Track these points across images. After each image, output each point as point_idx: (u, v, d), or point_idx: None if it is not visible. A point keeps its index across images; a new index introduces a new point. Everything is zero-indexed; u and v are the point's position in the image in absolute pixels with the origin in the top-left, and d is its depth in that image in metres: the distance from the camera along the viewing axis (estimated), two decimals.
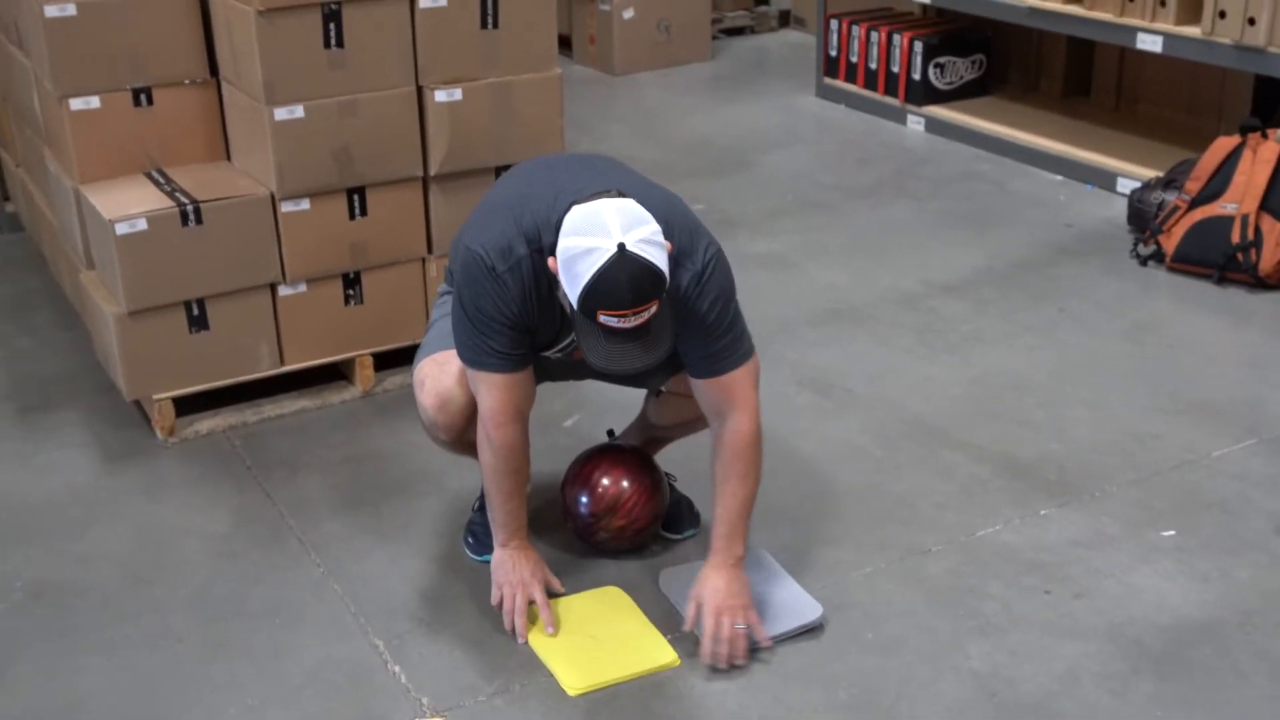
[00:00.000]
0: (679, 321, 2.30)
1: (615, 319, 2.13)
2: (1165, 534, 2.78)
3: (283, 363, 3.24)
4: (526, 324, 2.32)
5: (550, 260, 2.20)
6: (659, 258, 2.15)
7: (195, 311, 3.09)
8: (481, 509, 2.73)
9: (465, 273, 2.31)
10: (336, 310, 3.26)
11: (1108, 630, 2.49)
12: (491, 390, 2.35)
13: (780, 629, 2.47)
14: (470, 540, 2.71)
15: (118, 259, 2.97)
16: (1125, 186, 4.61)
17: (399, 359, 3.39)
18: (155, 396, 3.11)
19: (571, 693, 2.33)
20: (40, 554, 2.73)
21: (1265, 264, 3.95)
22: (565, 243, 2.15)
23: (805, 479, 3.00)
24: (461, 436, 2.50)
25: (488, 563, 2.65)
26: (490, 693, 2.33)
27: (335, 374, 3.39)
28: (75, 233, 3.27)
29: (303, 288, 3.20)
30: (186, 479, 3.00)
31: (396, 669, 2.39)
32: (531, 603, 2.48)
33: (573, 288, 2.14)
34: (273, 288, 3.17)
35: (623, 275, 2.10)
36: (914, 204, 4.70)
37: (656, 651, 2.42)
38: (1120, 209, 4.47)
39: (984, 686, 2.35)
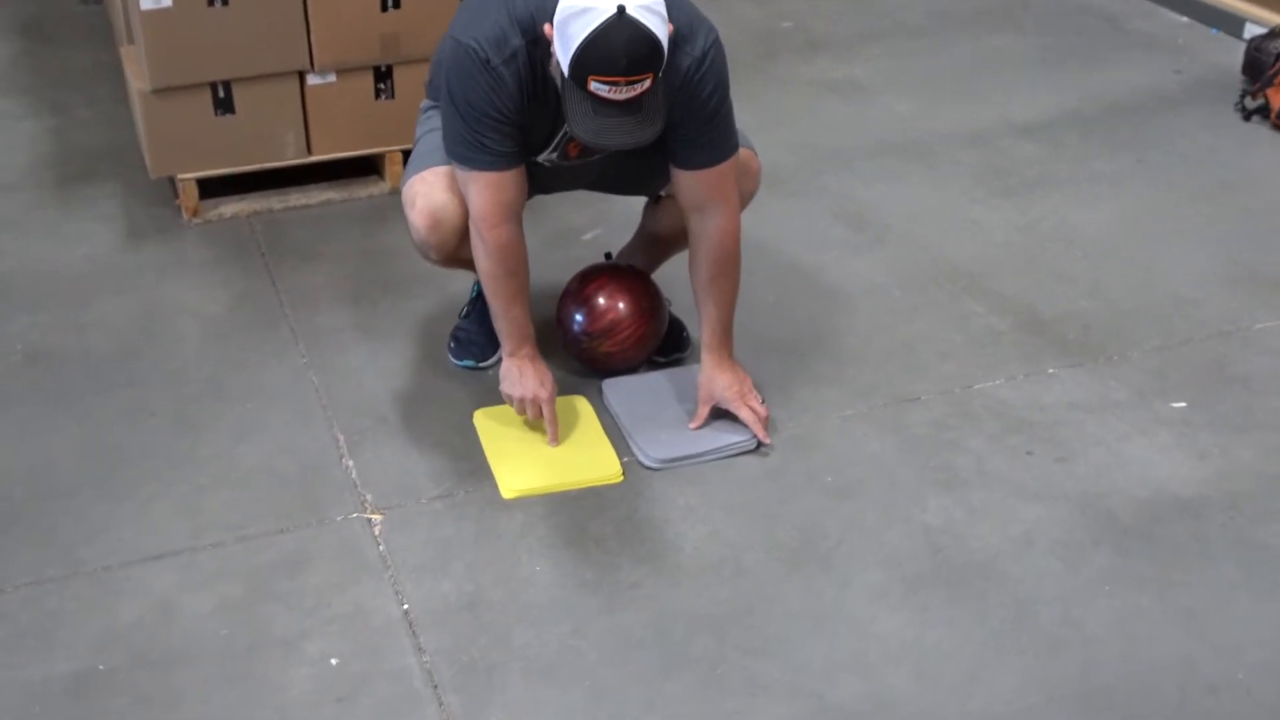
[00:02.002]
0: (673, 108, 2.21)
1: (607, 87, 2.06)
2: (1175, 405, 2.64)
3: (310, 152, 3.24)
4: (520, 120, 2.26)
5: (546, 27, 2.12)
6: (659, 28, 2.06)
7: (221, 94, 3.09)
8: (469, 315, 2.72)
9: (457, 68, 2.23)
10: (366, 103, 3.23)
11: (1080, 498, 2.39)
12: (483, 190, 2.30)
13: (714, 444, 2.44)
14: (453, 345, 2.71)
15: (143, 35, 2.97)
16: (1251, 32, 4.29)
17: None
18: (180, 177, 3.14)
19: (506, 495, 2.33)
20: (46, 319, 2.81)
21: None
22: (564, 3, 2.06)
23: (811, 313, 2.91)
24: (454, 255, 2.46)
25: (467, 369, 2.66)
26: (433, 496, 2.35)
27: (367, 168, 3.38)
28: (119, 6, 3.28)
29: (332, 78, 3.17)
30: (200, 260, 3.04)
31: (350, 464, 2.42)
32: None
33: (565, 50, 2.06)
34: (301, 77, 3.15)
35: (618, 38, 2.02)
36: (1016, 37, 4.45)
37: (601, 464, 2.41)
38: (1240, 58, 4.17)
39: (931, 541, 2.28)
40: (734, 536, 2.28)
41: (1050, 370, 2.75)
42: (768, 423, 2.49)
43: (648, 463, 2.42)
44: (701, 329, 2.48)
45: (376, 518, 2.29)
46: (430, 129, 2.46)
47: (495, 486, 2.37)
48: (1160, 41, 4.41)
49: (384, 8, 3.12)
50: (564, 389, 2.60)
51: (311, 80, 3.15)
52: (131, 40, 3.24)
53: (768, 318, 2.89)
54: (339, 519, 2.28)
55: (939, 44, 4.39)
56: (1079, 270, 3.11)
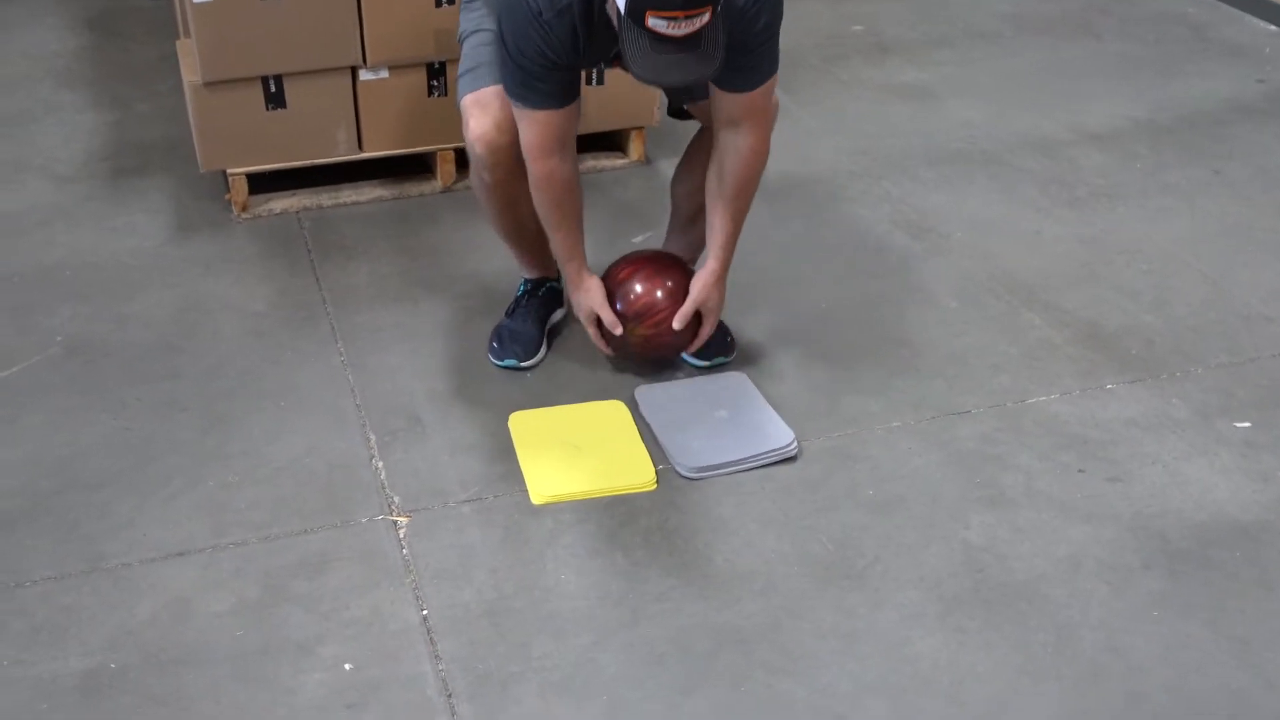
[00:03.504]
0: (727, 40, 2.14)
1: (665, 22, 2.01)
2: (1238, 425, 2.53)
3: (361, 149, 3.21)
4: (574, 63, 2.25)
5: None
6: None
7: (273, 88, 3.07)
8: (514, 313, 2.68)
9: (510, 16, 2.21)
10: (419, 100, 3.20)
11: (1131, 519, 2.29)
12: (533, 125, 2.31)
13: (748, 451, 2.37)
14: (495, 345, 2.67)
15: (195, 27, 2.96)
16: None
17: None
18: (230, 171, 3.13)
19: (536, 500, 2.28)
20: (88, 310, 2.81)
21: None
22: None
23: (861, 322, 2.83)
24: (512, 174, 2.43)
25: (509, 369, 2.62)
26: (461, 500, 2.30)
27: (420, 166, 3.35)
28: (178, 1, 3.28)
29: (384, 74, 3.14)
30: (246, 255, 3.02)
31: (379, 465, 2.38)
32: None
33: None
34: (354, 72, 3.12)
35: None
36: (1093, 43, 4.33)
37: (635, 471, 2.34)
38: None
39: (972, 560, 2.20)
40: (767, 549, 2.21)
41: (1108, 386, 2.65)
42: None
43: (683, 472, 2.36)
44: (710, 239, 2.48)
45: (402, 520, 2.25)
46: (477, 28, 2.45)
47: (526, 491, 2.32)
48: (1245, 50, 4.27)
49: (438, 4, 3.09)
50: (598, 393, 2.55)
51: (364, 76, 3.12)
52: (187, 33, 3.23)
53: (818, 324, 2.81)
54: (364, 521, 2.25)
55: (1011, 49, 4.28)
56: (1143, 285, 3.00)
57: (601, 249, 2.99)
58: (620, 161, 3.46)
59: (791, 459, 2.41)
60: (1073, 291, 2.96)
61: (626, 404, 2.53)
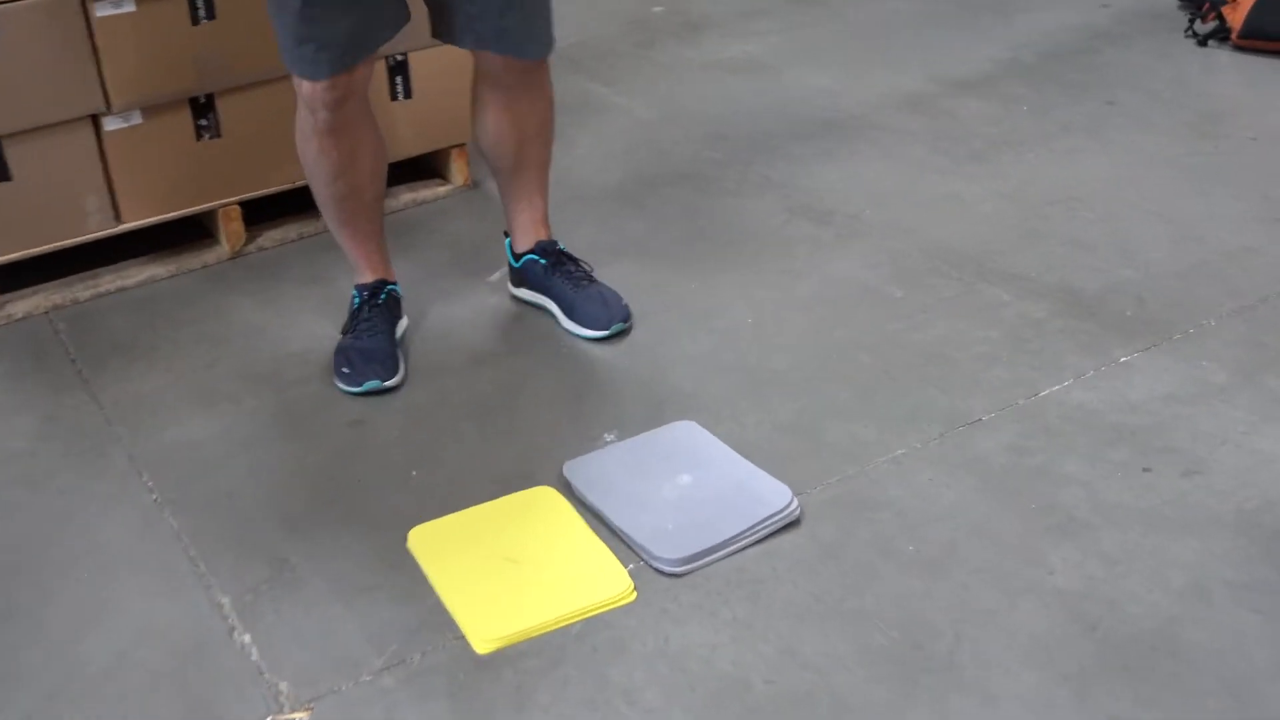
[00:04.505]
0: None
1: None
2: None
3: (118, 220, 2.48)
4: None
5: None
6: None
7: None
8: (352, 329, 2.22)
9: None
10: (186, 146, 2.50)
11: (1236, 519, 1.80)
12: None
13: (740, 525, 1.79)
14: (345, 371, 2.17)
15: None
16: None
17: (277, 207, 2.65)
18: None
19: (481, 649, 1.64)
20: None
21: None
22: None
23: (802, 333, 2.28)
24: (356, 121, 2.10)
25: (372, 393, 2.14)
26: (378, 668, 1.63)
27: (198, 230, 2.64)
28: None
29: (136, 118, 2.43)
30: None
31: (245, 639, 1.69)
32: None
33: None
34: (95, 121, 2.40)
35: None
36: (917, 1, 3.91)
37: (602, 580, 1.73)
38: None
39: (1076, 613, 1.66)
40: (813, 654, 1.62)
41: (1122, 359, 2.16)
42: None
43: (664, 568, 1.75)
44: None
45: (299, 717, 1.57)
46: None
47: (464, 638, 1.66)
48: None
49: (195, 19, 2.39)
50: (509, 477, 1.92)
51: (109, 125, 2.40)
52: None
53: (753, 345, 2.25)
54: None
55: (832, 11, 3.82)
56: (1097, 235, 2.54)
57: (450, 298, 2.38)
58: (443, 189, 2.83)
59: (794, 523, 1.83)
60: (1024, 255, 2.48)
61: (555, 487, 1.90)
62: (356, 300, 2.24)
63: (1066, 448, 1.96)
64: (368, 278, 2.25)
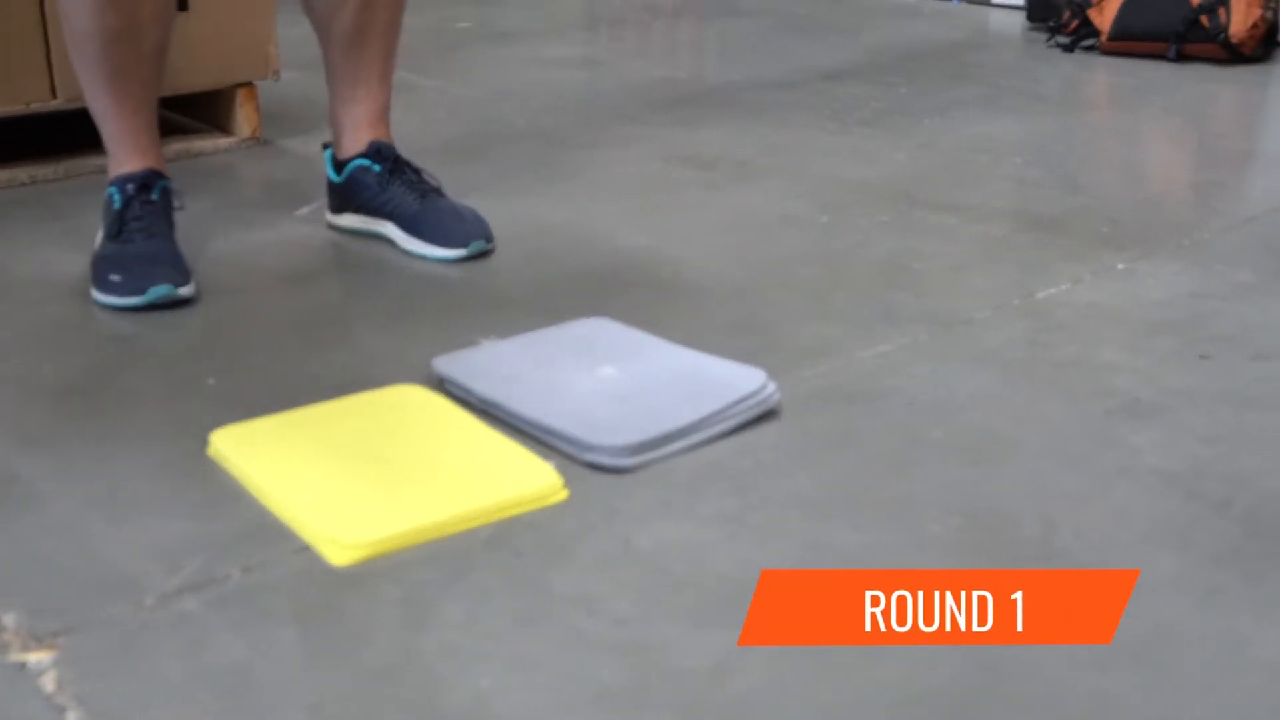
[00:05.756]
0: None
1: None
2: None
3: None
4: None
5: None
6: None
7: None
8: (118, 233, 1.62)
9: None
10: None
11: None
12: None
13: (704, 408, 1.24)
14: (116, 279, 1.58)
15: None
16: None
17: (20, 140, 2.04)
18: None
19: (338, 561, 1.04)
20: None
21: (1236, 27, 2.96)
22: None
23: (721, 253, 1.79)
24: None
25: (163, 303, 1.48)
26: (172, 589, 1.02)
27: None
28: None
29: None
30: None
31: None
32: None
33: None
34: None
35: None
36: (743, 20, 3.57)
37: (518, 476, 1.16)
38: (999, 20, 3.46)
39: (1196, 493, 1.17)
40: (851, 546, 1.08)
41: (1119, 266, 1.73)
42: None
43: (605, 459, 1.19)
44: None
45: (38, 658, 0.93)
46: None
47: (304, 551, 1.06)
48: (907, 10, 3.66)
49: None
50: (363, 386, 1.34)
51: None
52: None
53: (658, 263, 1.74)
54: None
55: (661, 31, 3.43)
56: (1037, 174, 2.15)
57: (249, 228, 1.82)
58: (224, 142, 2.25)
59: (771, 414, 1.30)
60: (960, 190, 2.06)
61: (424, 385, 1.33)
62: (118, 199, 1.63)
63: (1096, 340, 1.49)
64: (135, 164, 1.65)
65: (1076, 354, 1.45)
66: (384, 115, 1.79)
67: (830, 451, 1.23)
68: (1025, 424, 1.29)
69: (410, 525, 1.07)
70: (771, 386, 1.30)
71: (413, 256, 1.73)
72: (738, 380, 1.30)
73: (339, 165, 1.81)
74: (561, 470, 1.18)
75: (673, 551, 1.06)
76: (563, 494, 1.14)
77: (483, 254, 1.74)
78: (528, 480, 1.14)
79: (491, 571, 1.03)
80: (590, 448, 1.19)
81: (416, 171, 1.80)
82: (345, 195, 1.81)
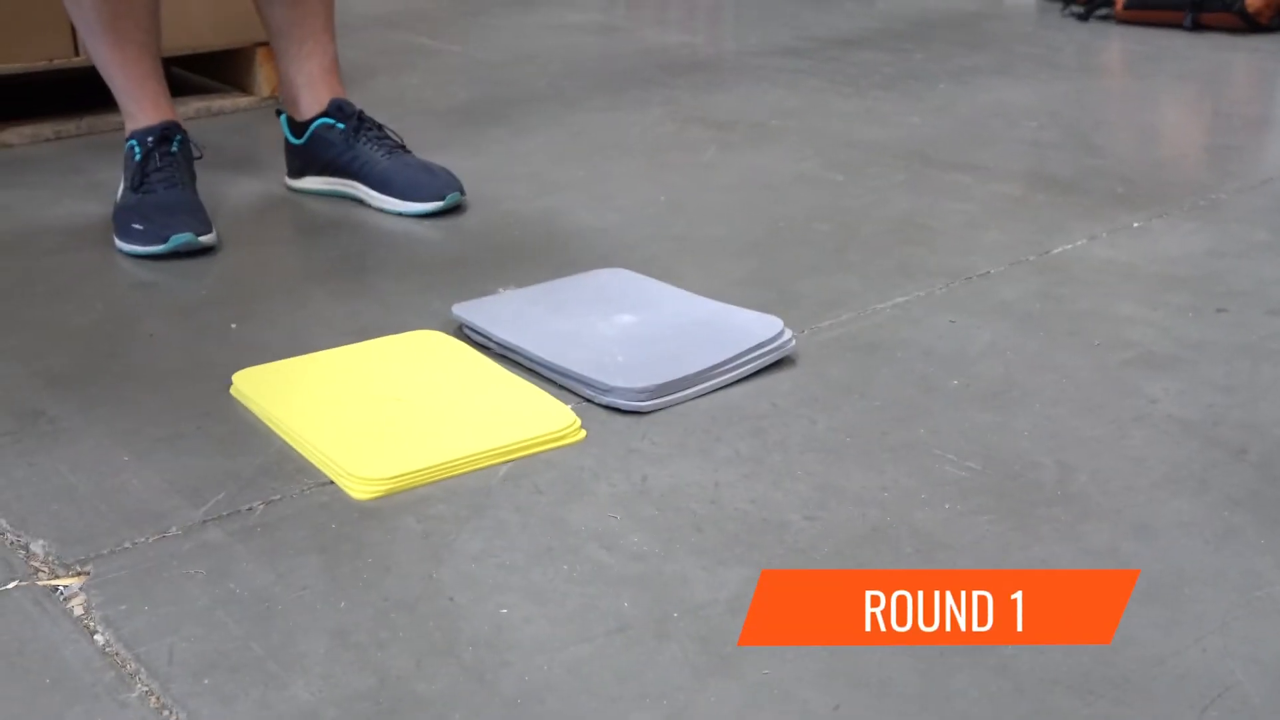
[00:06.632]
0: None
1: None
2: None
3: None
4: None
5: None
6: None
7: None
8: (140, 184, 1.62)
9: None
10: None
11: None
12: None
13: (721, 354, 1.25)
14: (139, 227, 1.58)
15: None
16: None
17: (27, 103, 2.05)
18: None
19: (358, 495, 1.05)
20: None
21: None
22: None
23: (736, 209, 1.80)
24: None
25: (184, 250, 1.48)
26: (196, 520, 1.03)
27: None
28: None
29: None
30: None
31: None
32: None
33: None
34: None
35: None
36: None
37: (536, 416, 1.17)
38: None
39: (1213, 440, 1.17)
40: (868, 488, 1.09)
41: (1134, 224, 1.73)
42: None
43: (623, 402, 1.20)
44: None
45: (68, 584, 0.94)
46: None
47: (327, 485, 1.07)
48: None
49: None
50: (384, 331, 1.35)
51: None
52: None
53: (674, 218, 1.75)
54: None
55: (663, 3, 3.44)
56: (1052, 136, 2.15)
57: (266, 179, 1.82)
58: (244, 101, 2.26)
59: (788, 360, 1.31)
60: (975, 151, 2.06)
61: (442, 331, 1.34)
62: (138, 151, 1.64)
63: (1112, 294, 1.50)
64: (151, 119, 1.66)
65: (1092, 307, 1.46)
66: (335, 68, 1.78)
67: (847, 397, 1.24)
68: (1041, 373, 1.30)
69: (429, 462, 1.08)
70: (789, 334, 1.31)
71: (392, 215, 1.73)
72: (755, 327, 1.31)
73: (299, 127, 1.79)
74: (580, 413, 1.19)
75: (689, 490, 1.07)
76: (580, 434, 1.15)
77: (456, 207, 1.74)
78: (545, 420, 1.15)
79: (510, 507, 1.04)
80: (608, 390, 1.20)
81: (379, 127, 1.79)
82: (308, 157, 1.79)
